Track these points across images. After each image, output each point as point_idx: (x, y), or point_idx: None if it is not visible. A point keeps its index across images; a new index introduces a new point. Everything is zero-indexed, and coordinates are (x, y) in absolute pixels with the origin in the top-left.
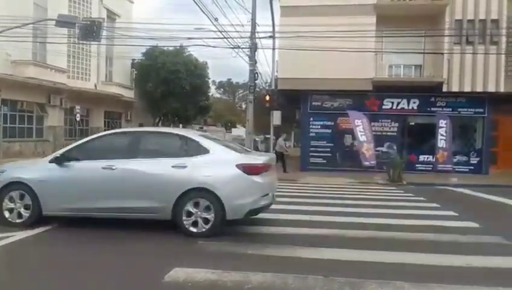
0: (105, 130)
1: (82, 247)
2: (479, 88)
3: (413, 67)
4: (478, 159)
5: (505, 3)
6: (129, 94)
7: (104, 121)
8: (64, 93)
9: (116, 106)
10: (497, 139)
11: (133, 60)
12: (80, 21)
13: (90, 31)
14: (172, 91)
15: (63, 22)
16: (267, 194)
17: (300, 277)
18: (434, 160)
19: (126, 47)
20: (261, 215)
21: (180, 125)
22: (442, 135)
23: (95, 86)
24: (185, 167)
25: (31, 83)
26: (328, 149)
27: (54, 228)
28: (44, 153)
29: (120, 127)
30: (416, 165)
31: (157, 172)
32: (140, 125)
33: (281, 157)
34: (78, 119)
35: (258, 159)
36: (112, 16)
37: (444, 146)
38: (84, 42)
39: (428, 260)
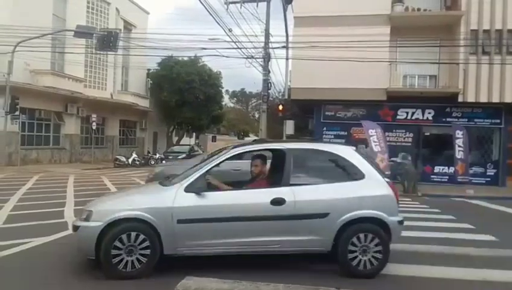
0: (120, 139)
1: None
2: (496, 99)
3: (427, 77)
4: (495, 170)
5: None
6: (144, 103)
7: (120, 130)
8: (81, 102)
9: (131, 114)
10: None
11: (149, 70)
12: (98, 32)
13: (107, 41)
14: (186, 100)
15: (81, 32)
16: None
17: (312, 288)
18: (453, 171)
19: (142, 57)
20: None
21: (194, 134)
22: (459, 145)
23: (111, 95)
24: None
25: (48, 92)
26: None
27: (71, 234)
28: (61, 160)
29: (135, 136)
30: (432, 176)
31: None
32: (155, 134)
33: None
34: (94, 127)
35: None
36: (128, 26)
37: (462, 157)
38: (101, 52)
39: (443, 273)
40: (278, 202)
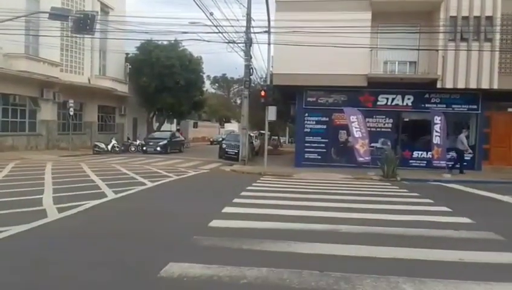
0: (98, 125)
1: (75, 242)
2: (473, 85)
3: (407, 63)
4: (471, 155)
5: (499, 0)
6: (123, 88)
7: (98, 116)
8: (57, 86)
9: (110, 100)
10: (489, 136)
11: (127, 54)
12: (74, 14)
13: (83, 24)
14: (166, 86)
15: (56, 14)
16: None
17: (295, 272)
18: (429, 156)
19: (120, 41)
20: (255, 211)
21: (175, 120)
22: (437, 131)
23: (89, 80)
24: None
25: (23, 77)
26: (323, 145)
27: (51, 221)
28: (38, 147)
29: (114, 122)
30: (410, 161)
31: None
32: (135, 119)
33: (461, 156)
34: (71, 113)
35: None
36: (105, 8)
37: (439, 142)
38: (78, 35)
39: (422, 255)
40: None
